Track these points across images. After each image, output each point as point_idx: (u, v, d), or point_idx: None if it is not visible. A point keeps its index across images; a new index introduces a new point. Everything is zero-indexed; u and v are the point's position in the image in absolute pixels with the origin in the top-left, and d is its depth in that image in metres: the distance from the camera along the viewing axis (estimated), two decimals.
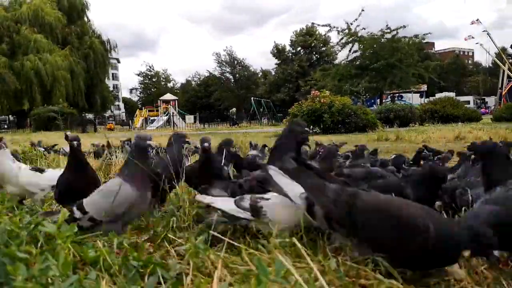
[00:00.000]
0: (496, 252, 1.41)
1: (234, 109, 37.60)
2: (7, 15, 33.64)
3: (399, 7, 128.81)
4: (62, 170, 2.54)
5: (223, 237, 1.65)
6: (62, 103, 29.42)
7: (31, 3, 34.51)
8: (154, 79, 69.91)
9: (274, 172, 1.83)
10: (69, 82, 33.05)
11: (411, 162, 3.76)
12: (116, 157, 4.23)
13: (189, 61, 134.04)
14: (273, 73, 56.23)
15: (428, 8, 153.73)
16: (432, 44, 64.70)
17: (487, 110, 41.10)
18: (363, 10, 24.05)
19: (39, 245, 1.47)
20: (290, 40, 53.38)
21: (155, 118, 36.36)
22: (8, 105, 31.91)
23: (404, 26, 24.10)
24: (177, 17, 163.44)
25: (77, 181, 2.30)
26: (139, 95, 71.78)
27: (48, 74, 31.22)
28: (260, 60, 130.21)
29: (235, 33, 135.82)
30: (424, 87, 39.64)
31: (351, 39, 24.66)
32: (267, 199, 1.86)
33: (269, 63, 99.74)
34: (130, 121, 36.51)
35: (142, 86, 70.17)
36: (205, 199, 1.96)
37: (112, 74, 66.32)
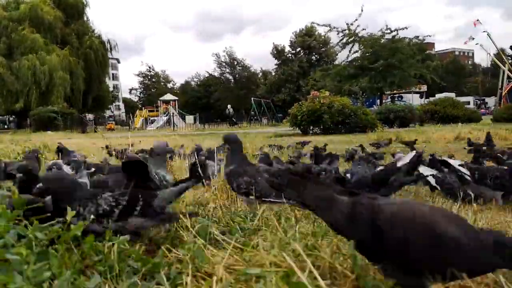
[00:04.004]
0: None
1: (229, 107, 34.68)
2: (5, 14, 33.38)
3: (373, 14, 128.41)
4: None
5: (222, 236, 1.65)
6: (60, 103, 29.27)
7: (30, 2, 34.24)
8: (154, 79, 69.91)
9: None
10: (68, 82, 32.79)
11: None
12: None
13: (177, 64, 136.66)
14: (273, 74, 56.21)
15: (402, 14, 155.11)
16: (432, 44, 64.71)
17: (487, 111, 41.07)
18: (362, 11, 24.06)
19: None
20: (290, 41, 53.43)
21: (155, 118, 36.39)
22: (4, 105, 31.45)
23: (406, 28, 24.15)
24: (159, 24, 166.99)
25: None
26: (138, 95, 71.82)
27: (45, 74, 30.98)
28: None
29: (215, 40, 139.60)
30: (424, 88, 39.65)
31: (351, 39, 24.66)
32: None
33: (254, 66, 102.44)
34: (130, 121, 36.47)
35: (142, 86, 70.14)
36: None
37: (112, 74, 66.35)
